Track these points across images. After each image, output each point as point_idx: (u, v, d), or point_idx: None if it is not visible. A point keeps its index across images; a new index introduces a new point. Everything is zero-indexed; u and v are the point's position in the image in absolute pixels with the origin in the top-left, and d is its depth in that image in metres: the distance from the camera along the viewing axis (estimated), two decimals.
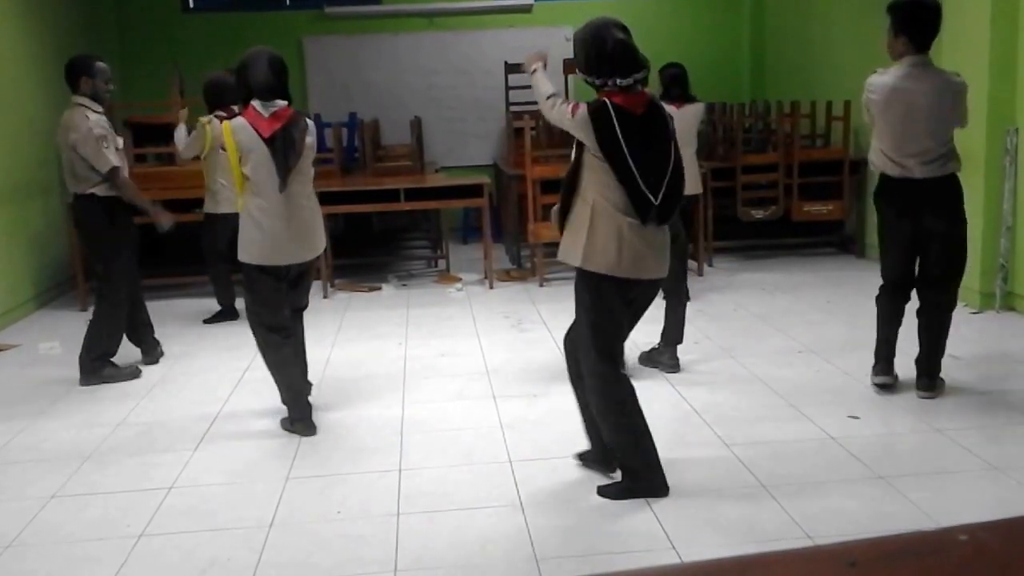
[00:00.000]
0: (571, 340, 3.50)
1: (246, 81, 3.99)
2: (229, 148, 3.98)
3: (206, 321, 6.38)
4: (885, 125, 4.22)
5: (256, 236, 4.03)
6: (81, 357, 5.00)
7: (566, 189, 3.32)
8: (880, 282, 4.44)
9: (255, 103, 3.98)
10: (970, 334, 5.34)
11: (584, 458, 3.60)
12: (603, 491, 3.37)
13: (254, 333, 4.15)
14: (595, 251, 3.23)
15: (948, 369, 4.67)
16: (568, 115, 3.23)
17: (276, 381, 4.19)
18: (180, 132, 6.27)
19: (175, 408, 4.57)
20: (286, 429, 4.17)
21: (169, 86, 7.21)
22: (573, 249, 3.29)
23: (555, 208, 3.39)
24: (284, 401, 4.21)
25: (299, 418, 4.16)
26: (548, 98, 3.37)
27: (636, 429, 3.35)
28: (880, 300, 4.45)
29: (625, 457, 3.38)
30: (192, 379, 5.02)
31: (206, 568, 2.96)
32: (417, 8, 9.95)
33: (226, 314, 6.40)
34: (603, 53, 3.20)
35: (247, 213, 4.03)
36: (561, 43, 9.60)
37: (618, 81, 3.20)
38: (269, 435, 4.16)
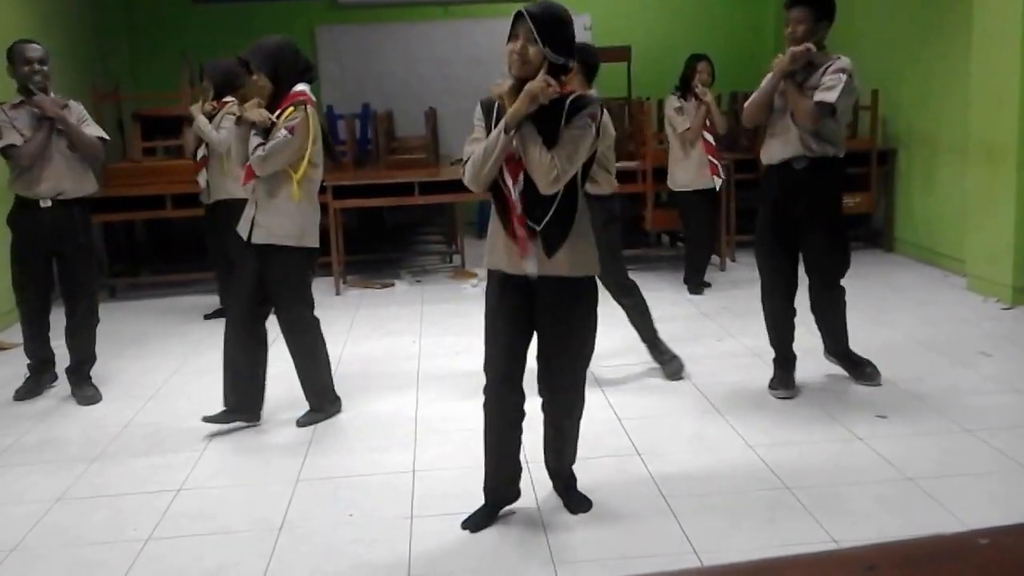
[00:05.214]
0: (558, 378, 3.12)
1: (303, 63, 3.97)
2: (313, 133, 3.91)
3: (208, 316, 6.30)
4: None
5: (316, 219, 4.07)
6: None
7: (570, 203, 2.94)
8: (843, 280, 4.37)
9: (306, 87, 3.96)
10: (1001, 330, 5.23)
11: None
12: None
13: (305, 323, 4.14)
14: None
15: (979, 366, 4.57)
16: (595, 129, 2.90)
17: (315, 367, 4.21)
18: (217, 133, 5.69)
19: (183, 408, 4.49)
20: (319, 420, 4.17)
21: (179, 78, 7.14)
22: (591, 258, 3.01)
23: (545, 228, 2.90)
24: (321, 387, 4.23)
25: (336, 396, 4.29)
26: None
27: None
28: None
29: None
30: (200, 378, 4.93)
31: (214, 573, 2.90)
32: None
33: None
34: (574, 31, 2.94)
35: (309, 199, 4.01)
36: (579, 32, 9.44)
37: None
38: (279, 435, 4.08)
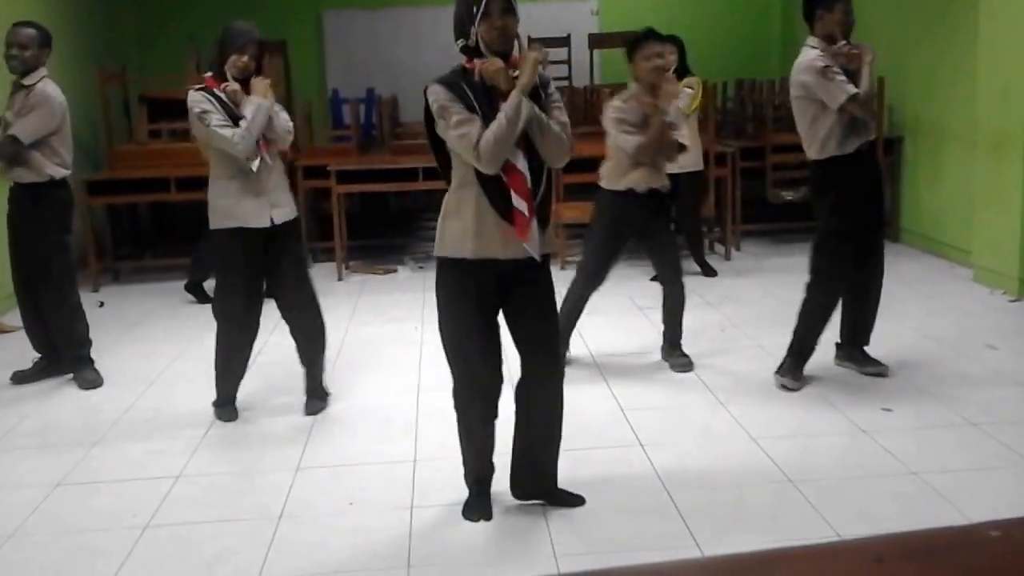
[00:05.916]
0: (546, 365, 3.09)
1: None
2: None
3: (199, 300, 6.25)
4: None
5: None
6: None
7: (549, 178, 2.99)
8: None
9: None
10: (1008, 322, 5.19)
11: None
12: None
13: (318, 297, 4.16)
14: None
15: (985, 359, 4.53)
16: None
17: (325, 348, 4.24)
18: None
19: (184, 394, 4.48)
20: (319, 411, 4.14)
21: (186, 61, 7.10)
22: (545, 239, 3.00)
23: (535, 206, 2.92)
24: (321, 376, 4.25)
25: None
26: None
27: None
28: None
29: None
30: (201, 364, 4.90)
31: (213, 561, 2.89)
32: None
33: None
34: None
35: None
36: (587, 17, 9.39)
37: None
38: (279, 423, 4.06)
